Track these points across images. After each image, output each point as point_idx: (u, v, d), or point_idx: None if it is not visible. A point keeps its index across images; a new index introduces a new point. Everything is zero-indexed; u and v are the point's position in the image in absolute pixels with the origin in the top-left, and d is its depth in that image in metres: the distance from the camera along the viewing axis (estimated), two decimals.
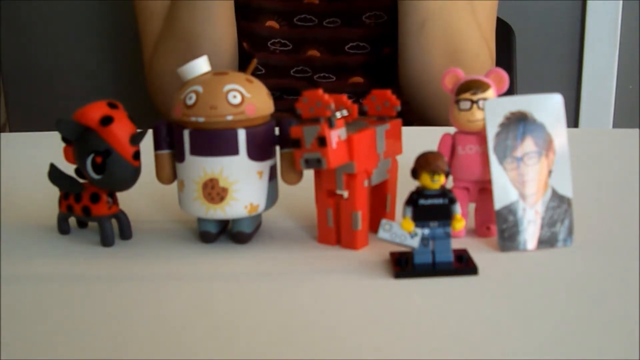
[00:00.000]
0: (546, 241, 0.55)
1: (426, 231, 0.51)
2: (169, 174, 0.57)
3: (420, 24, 0.92)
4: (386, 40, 1.00)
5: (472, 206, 0.58)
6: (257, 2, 1.00)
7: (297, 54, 1.02)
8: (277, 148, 0.56)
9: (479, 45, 0.95)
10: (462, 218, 0.51)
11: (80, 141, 0.55)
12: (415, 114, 0.99)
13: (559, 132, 0.55)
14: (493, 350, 0.42)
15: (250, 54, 1.01)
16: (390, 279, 0.51)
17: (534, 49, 1.58)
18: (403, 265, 0.51)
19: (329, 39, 1.01)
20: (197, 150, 0.54)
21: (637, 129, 0.85)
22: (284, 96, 1.03)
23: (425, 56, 0.93)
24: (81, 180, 0.57)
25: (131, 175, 0.56)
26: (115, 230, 0.58)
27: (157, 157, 0.57)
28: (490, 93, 0.55)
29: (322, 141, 0.51)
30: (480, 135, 0.56)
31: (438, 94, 0.93)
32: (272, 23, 1.01)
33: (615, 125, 1.63)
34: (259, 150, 0.55)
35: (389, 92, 0.57)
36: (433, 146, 0.55)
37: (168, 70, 0.97)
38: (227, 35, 0.96)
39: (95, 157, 0.55)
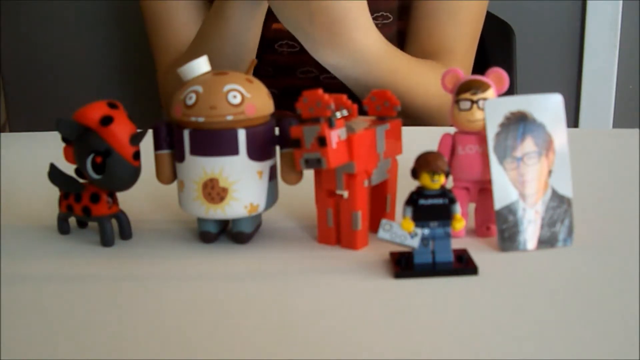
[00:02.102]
0: (546, 241, 0.55)
1: (426, 231, 0.51)
2: (169, 174, 0.57)
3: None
4: (391, 41, 1.00)
5: (472, 206, 0.58)
6: None
7: (305, 55, 1.02)
8: (277, 148, 0.57)
9: (433, 98, 0.92)
10: (462, 218, 0.51)
11: (80, 141, 0.55)
12: None
13: (559, 132, 0.55)
14: (493, 350, 0.42)
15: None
16: (390, 279, 0.51)
17: (534, 49, 1.58)
18: (403, 265, 0.51)
19: None
20: (197, 150, 0.54)
21: (637, 129, 0.85)
22: (292, 97, 1.03)
23: None
24: (81, 180, 0.57)
25: (131, 175, 0.56)
26: (115, 230, 0.58)
27: (157, 157, 0.57)
28: (490, 93, 0.55)
29: (322, 141, 0.51)
30: (480, 135, 0.56)
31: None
32: (278, 25, 1.01)
33: (615, 125, 1.63)
34: (259, 150, 0.55)
35: (389, 92, 0.57)
36: (433, 146, 0.55)
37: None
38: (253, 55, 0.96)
39: (95, 157, 0.55)
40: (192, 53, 0.98)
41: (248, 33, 0.91)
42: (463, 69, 0.97)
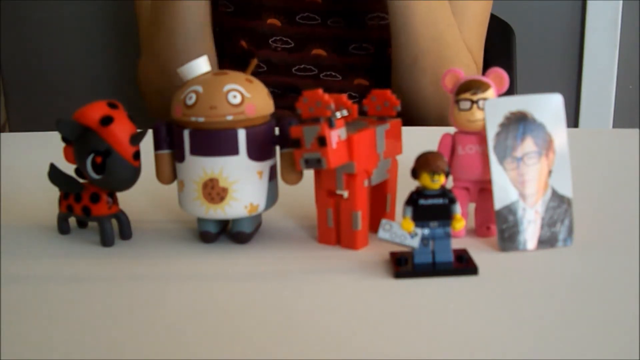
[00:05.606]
0: (546, 241, 0.55)
1: (426, 231, 0.51)
2: (169, 174, 0.57)
3: (413, 59, 0.95)
4: (389, 42, 1.00)
5: (472, 206, 0.58)
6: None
7: (301, 53, 1.02)
8: (277, 148, 0.57)
9: (467, 65, 0.96)
10: (462, 218, 0.51)
11: (80, 141, 0.55)
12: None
13: (559, 132, 0.55)
14: (493, 350, 0.42)
15: (250, 52, 1.01)
16: (390, 279, 0.51)
17: (534, 49, 1.58)
18: (403, 265, 0.51)
19: (333, 39, 1.01)
20: (197, 150, 0.54)
21: (637, 129, 0.85)
22: (288, 94, 1.03)
23: (416, 85, 0.96)
24: (81, 180, 0.57)
25: (131, 175, 0.56)
26: (115, 230, 0.58)
27: (157, 157, 0.57)
28: (490, 93, 0.55)
29: (322, 141, 0.51)
30: (480, 135, 0.56)
31: (427, 113, 0.97)
32: (273, 21, 1.01)
33: (615, 125, 1.63)
34: (259, 150, 0.55)
35: (388, 92, 0.57)
36: (433, 146, 0.55)
37: (149, 77, 0.99)
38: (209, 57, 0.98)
39: (95, 157, 0.55)
40: (147, 30, 0.99)
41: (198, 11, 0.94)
42: (471, 71, 0.97)
